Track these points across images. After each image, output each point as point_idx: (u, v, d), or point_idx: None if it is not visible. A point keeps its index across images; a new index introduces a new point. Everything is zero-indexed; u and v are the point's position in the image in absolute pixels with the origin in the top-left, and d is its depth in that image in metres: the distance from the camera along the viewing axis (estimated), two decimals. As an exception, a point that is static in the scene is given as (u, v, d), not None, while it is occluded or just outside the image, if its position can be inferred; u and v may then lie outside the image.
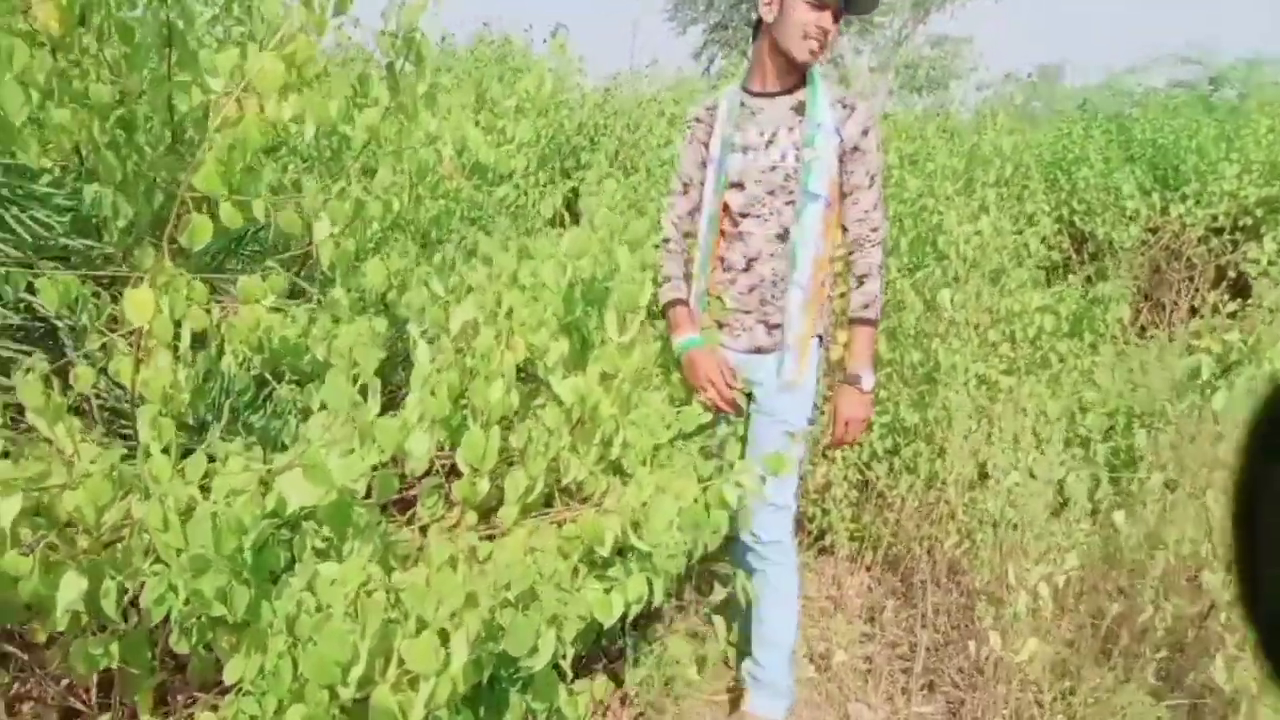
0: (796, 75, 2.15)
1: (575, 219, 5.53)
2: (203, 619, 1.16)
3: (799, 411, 2.20)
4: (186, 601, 1.06)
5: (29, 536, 1.02)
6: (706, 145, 2.26)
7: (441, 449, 1.75)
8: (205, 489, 1.06)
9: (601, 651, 2.45)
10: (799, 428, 2.19)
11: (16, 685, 1.64)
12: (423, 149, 2.33)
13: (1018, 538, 2.28)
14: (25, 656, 1.53)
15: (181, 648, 1.18)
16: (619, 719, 2.32)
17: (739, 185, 2.21)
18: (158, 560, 1.09)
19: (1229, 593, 2.01)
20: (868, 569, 3.17)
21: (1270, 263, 5.07)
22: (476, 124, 2.69)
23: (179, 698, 1.54)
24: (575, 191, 6.06)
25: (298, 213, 1.74)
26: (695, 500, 1.62)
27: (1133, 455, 2.93)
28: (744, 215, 2.20)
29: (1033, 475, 2.33)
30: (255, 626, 1.15)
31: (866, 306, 2.13)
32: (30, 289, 1.82)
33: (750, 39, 2.30)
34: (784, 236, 2.13)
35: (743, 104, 2.23)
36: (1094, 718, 1.95)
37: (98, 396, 2.27)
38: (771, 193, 2.15)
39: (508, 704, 1.49)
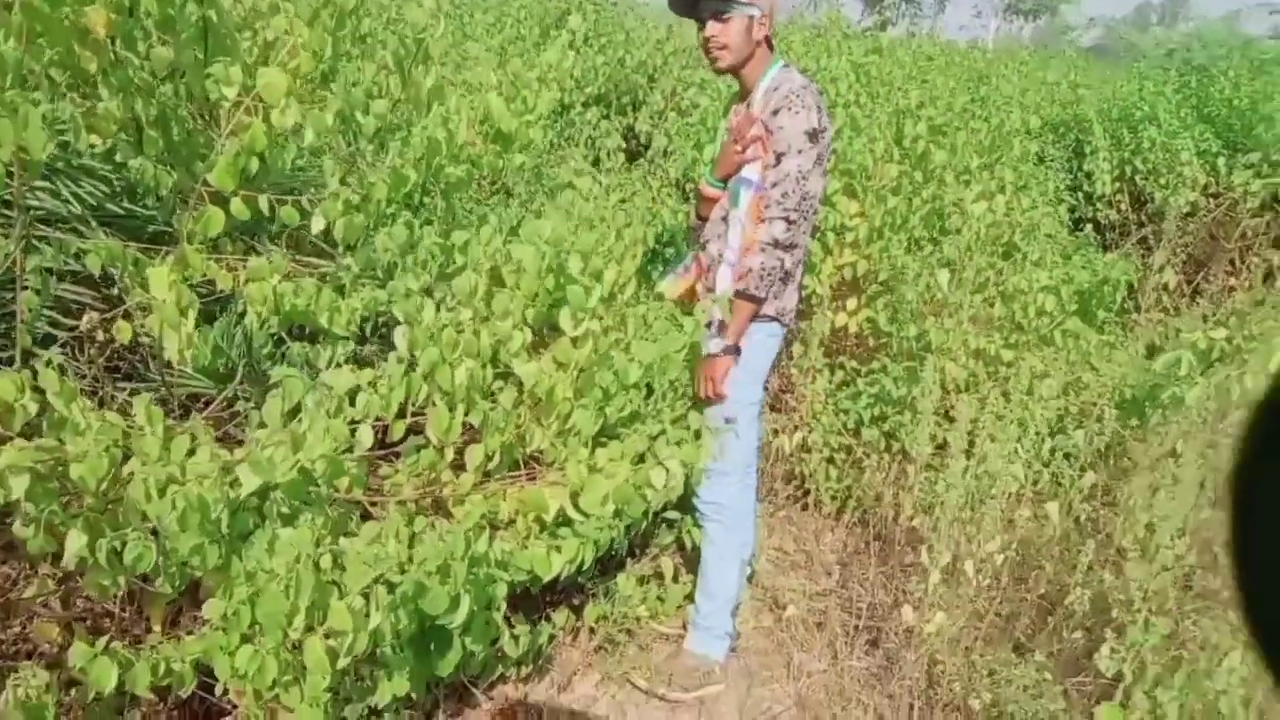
0: (746, 75, 2.35)
1: (632, 156, 5.68)
2: (184, 568, 1.45)
3: (739, 385, 2.39)
4: (169, 555, 1.35)
5: (44, 499, 1.31)
6: None
7: (420, 412, 2.03)
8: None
9: (577, 588, 2.73)
10: (738, 400, 2.39)
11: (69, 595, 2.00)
12: (435, 128, 2.54)
13: (960, 517, 2.46)
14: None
15: (165, 589, 1.49)
16: (585, 649, 2.62)
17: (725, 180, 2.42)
18: (146, 518, 1.38)
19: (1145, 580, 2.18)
20: (847, 528, 3.39)
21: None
22: (499, 94, 2.88)
23: (186, 618, 1.87)
24: (631, 129, 6.20)
25: (297, 205, 1.98)
26: (626, 481, 1.86)
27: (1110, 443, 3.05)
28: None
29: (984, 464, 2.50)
30: (227, 576, 1.44)
31: (739, 279, 2.29)
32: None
33: None
34: (725, 219, 2.34)
35: (734, 110, 2.45)
36: (990, 690, 2.16)
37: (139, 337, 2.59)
38: (726, 182, 2.37)
39: (450, 644, 1.78)
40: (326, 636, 1.39)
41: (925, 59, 4.76)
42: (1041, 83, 7.55)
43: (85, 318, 2.55)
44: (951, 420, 3.08)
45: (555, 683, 2.49)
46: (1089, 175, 6.60)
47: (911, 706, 2.34)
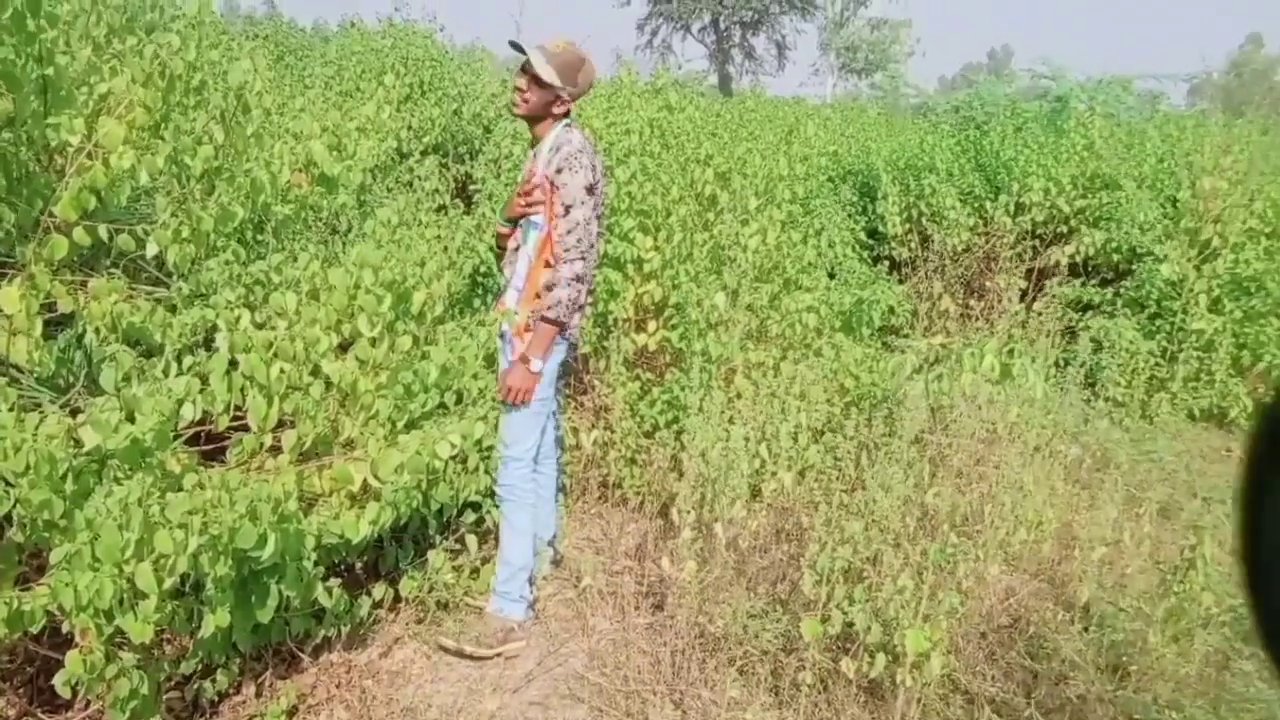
0: (536, 130, 2.83)
1: (468, 202, 6.11)
2: (35, 521, 1.78)
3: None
4: (21, 505, 1.69)
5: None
6: None
7: (240, 408, 2.39)
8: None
9: (399, 571, 3.09)
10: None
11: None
12: (259, 170, 2.92)
13: (711, 489, 2.97)
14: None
15: (18, 538, 1.81)
16: (405, 620, 2.99)
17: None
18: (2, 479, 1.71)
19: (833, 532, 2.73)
20: (649, 518, 3.87)
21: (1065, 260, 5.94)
22: (324, 142, 3.28)
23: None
24: (469, 175, 6.64)
25: (132, 234, 2.33)
26: (416, 452, 2.28)
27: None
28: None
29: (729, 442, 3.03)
30: (70, 526, 1.78)
31: (549, 308, 2.76)
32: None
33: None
34: (517, 250, 2.83)
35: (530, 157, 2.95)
36: (720, 617, 2.68)
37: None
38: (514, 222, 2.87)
39: (268, 592, 2.14)
40: (154, 566, 1.74)
41: (715, 115, 5.40)
42: (841, 135, 8.46)
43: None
44: (732, 421, 3.63)
45: (376, 650, 2.85)
46: (882, 218, 7.45)
47: (680, 649, 2.81)
